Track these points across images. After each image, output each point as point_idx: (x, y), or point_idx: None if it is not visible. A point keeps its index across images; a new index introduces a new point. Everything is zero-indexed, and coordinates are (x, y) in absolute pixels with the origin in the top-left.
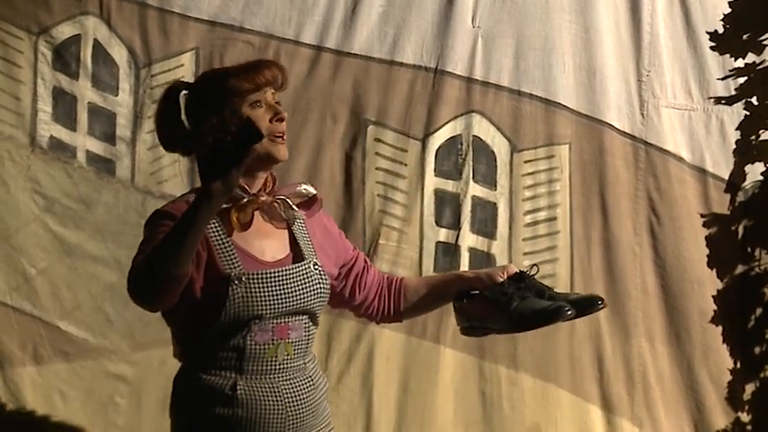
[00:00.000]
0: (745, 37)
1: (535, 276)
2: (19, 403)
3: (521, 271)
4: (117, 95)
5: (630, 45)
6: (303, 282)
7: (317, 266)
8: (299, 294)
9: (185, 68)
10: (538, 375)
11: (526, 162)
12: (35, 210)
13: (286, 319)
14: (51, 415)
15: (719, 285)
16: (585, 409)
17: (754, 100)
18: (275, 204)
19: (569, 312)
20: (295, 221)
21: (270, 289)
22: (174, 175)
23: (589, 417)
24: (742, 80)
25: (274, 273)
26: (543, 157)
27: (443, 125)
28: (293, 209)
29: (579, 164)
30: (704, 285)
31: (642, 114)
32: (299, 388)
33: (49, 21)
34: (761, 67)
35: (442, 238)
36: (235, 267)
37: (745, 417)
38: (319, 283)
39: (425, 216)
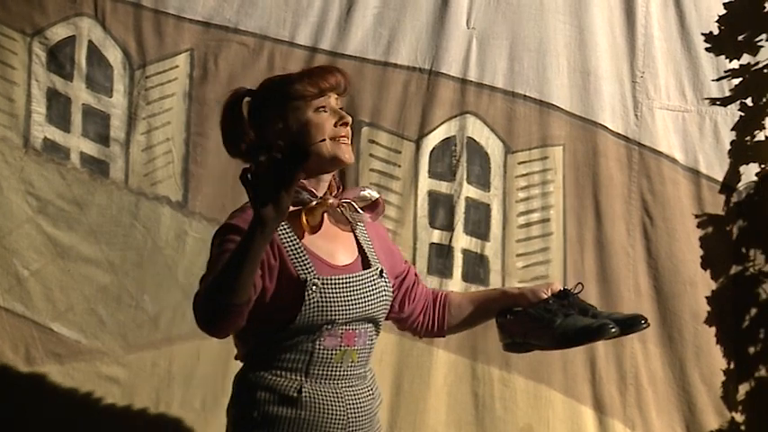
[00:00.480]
0: (739, 38)
1: (579, 295)
2: (11, 405)
3: (565, 288)
4: (111, 97)
5: (625, 46)
6: (371, 288)
7: (383, 274)
8: (368, 301)
9: (180, 70)
10: (530, 377)
11: (520, 163)
12: (28, 211)
13: (354, 326)
14: (43, 417)
15: (713, 286)
16: (578, 410)
17: (748, 101)
18: (341, 207)
19: (613, 330)
20: (357, 226)
21: (343, 294)
22: (168, 177)
23: (581, 418)
24: (736, 81)
25: (347, 278)
26: (537, 158)
27: (437, 126)
28: (359, 212)
29: (573, 165)
30: (697, 286)
31: (636, 116)
32: (359, 396)
33: (43, 22)
34: (755, 68)
35: (435, 240)
36: (309, 272)
37: (739, 417)
38: (385, 290)
39: (419, 217)
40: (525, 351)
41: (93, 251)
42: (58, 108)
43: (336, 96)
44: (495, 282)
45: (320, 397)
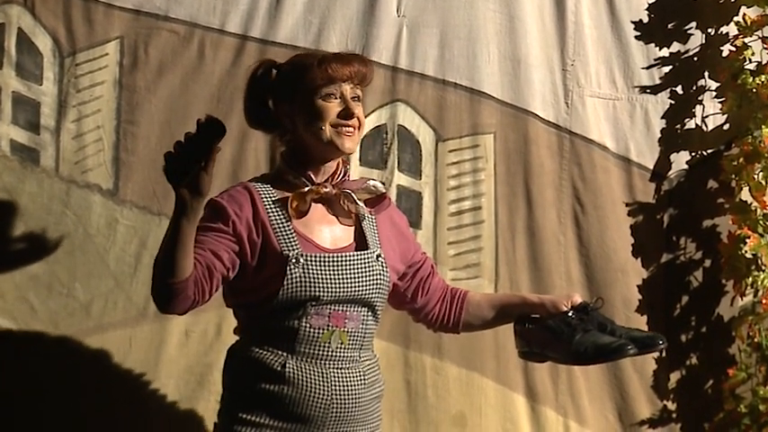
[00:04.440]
0: (669, 26)
1: (599, 309)
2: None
3: (585, 302)
4: (41, 84)
5: (555, 34)
6: (363, 271)
7: (380, 258)
8: (358, 283)
9: (110, 57)
10: (462, 364)
11: (451, 151)
12: None
13: (344, 307)
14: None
15: (644, 275)
16: (510, 397)
17: (678, 89)
18: (340, 198)
19: (631, 351)
20: (364, 216)
21: (328, 272)
22: (99, 165)
23: (513, 405)
24: (666, 69)
25: (333, 257)
26: (468, 146)
27: (368, 114)
28: (357, 203)
29: (504, 153)
30: (628, 274)
31: (567, 104)
32: (349, 379)
33: None
34: (685, 56)
35: None
36: (292, 249)
37: (670, 405)
38: (380, 274)
39: None
40: (541, 361)
41: (23, 239)
42: None
43: (353, 86)
44: None
45: (304, 374)
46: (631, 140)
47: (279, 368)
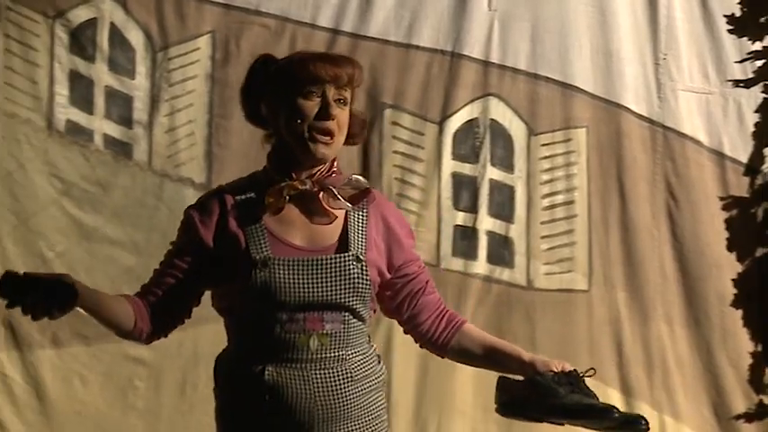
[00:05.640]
0: (762, 20)
1: (585, 381)
2: (38, 386)
3: (575, 369)
4: (134, 79)
5: (647, 28)
6: (337, 274)
7: (359, 261)
8: (331, 286)
9: (201, 52)
10: (556, 358)
11: (543, 145)
12: (53, 193)
13: (320, 312)
14: (71, 397)
15: (738, 269)
16: (605, 392)
17: None
18: (321, 194)
19: (616, 415)
20: (352, 212)
21: (296, 276)
22: (192, 158)
23: (608, 400)
24: (759, 63)
25: (304, 261)
26: (561, 140)
27: (460, 108)
28: (339, 199)
29: (597, 147)
30: (723, 269)
31: (659, 98)
32: (332, 379)
33: (65, 4)
34: None
35: (459, 222)
36: (262, 252)
37: (767, 399)
38: (358, 278)
39: (443, 199)
40: (520, 418)
41: (117, 233)
42: (81, 90)
43: (338, 88)
44: (520, 264)
45: (285, 380)
46: (724, 134)
47: (258, 376)
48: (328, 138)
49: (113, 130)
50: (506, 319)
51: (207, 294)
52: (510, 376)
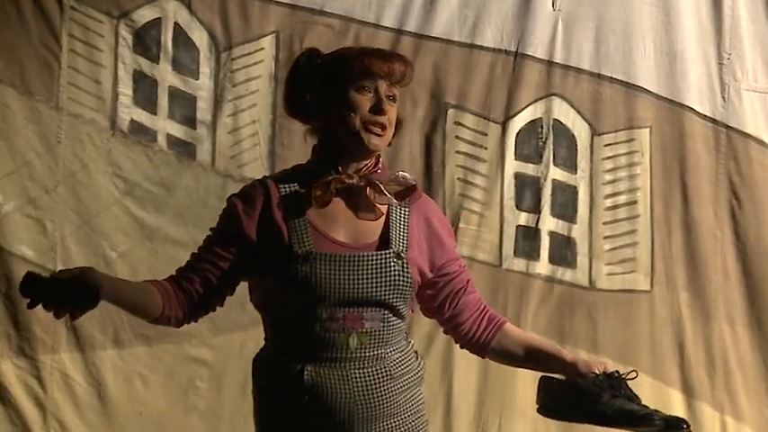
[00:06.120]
0: None
1: (628, 382)
2: (100, 386)
3: (617, 371)
4: (197, 79)
5: (711, 28)
6: (378, 271)
7: (400, 258)
8: (371, 283)
9: (265, 52)
10: (618, 359)
11: (606, 146)
12: (116, 193)
13: (359, 309)
14: (132, 398)
15: None
16: (666, 393)
17: None
18: (368, 189)
19: (658, 422)
20: (395, 209)
21: (337, 272)
22: (255, 159)
23: (669, 401)
24: None
25: (345, 257)
26: (624, 140)
27: (523, 108)
28: (386, 194)
29: (660, 147)
30: None
31: (723, 98)
32: (372, 377)
33: (129, 4)
34: None
35: (522, 222)
36: (304, 246)
37: None
38: (399, 275)
39: (505, 200)
40: (561, 419)
41: (180, 233)
42: (145, 90)
43: (389, 84)
44: (582, 264)
45: (325, 379)
46: None
47: (297, 376)
48: (380, 129)
49: (177, 130)
50: (568, 320)
51: None
52: (552, 376)
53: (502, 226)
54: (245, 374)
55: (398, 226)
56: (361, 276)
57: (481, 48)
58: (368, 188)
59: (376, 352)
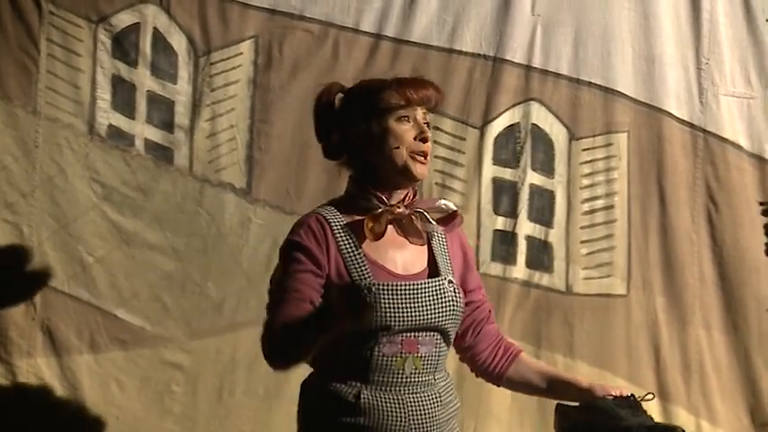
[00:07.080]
0: None
1: (643, 405)
2: (76, 391)
3: (632, 394)
4: (176, 84)
5: (690, 33)
6: (436, 298)
7: (452, 284)
8: (431, 310)
9: (244, 57)
10: (594, 363)
11: (584, 150)
12: (93, 198)
13: (416, 334)
14: (108, 402)
15: None
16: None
17: None
18: (412, 217)
19: None
20: (434, 236)
21: (399, 301)
22: (233, 163)
23: (645, 405)
24: None
25: (405, 285)
26: (601, 145)
27: (502, 113)
28: (431, 222)
29: (637, 152)
30: (762, 274)
31: (701, 102)
32: (425, 402)
33: (108, 9)
34: None
35: (499, 226)
36: (364, 277)
37: None
38: (453, 300)
39: (483, 204)
40: None
41: (157, 238)
42: (123, 95)
43: (425, 111)
44: (559, 269)
45: (380, 403)
46: (766, 139)
47: (353, 399)
48: (424, 158)
49: (155, 134)
50: (545, 324)
51: (244, 300)
52: (566, 402)
53: (479, 230)
54: (221, 379)
55: (441, 252)
56: (420, 304)
57: (460, 52)
58: (414, 218)
59: (428, 377)
